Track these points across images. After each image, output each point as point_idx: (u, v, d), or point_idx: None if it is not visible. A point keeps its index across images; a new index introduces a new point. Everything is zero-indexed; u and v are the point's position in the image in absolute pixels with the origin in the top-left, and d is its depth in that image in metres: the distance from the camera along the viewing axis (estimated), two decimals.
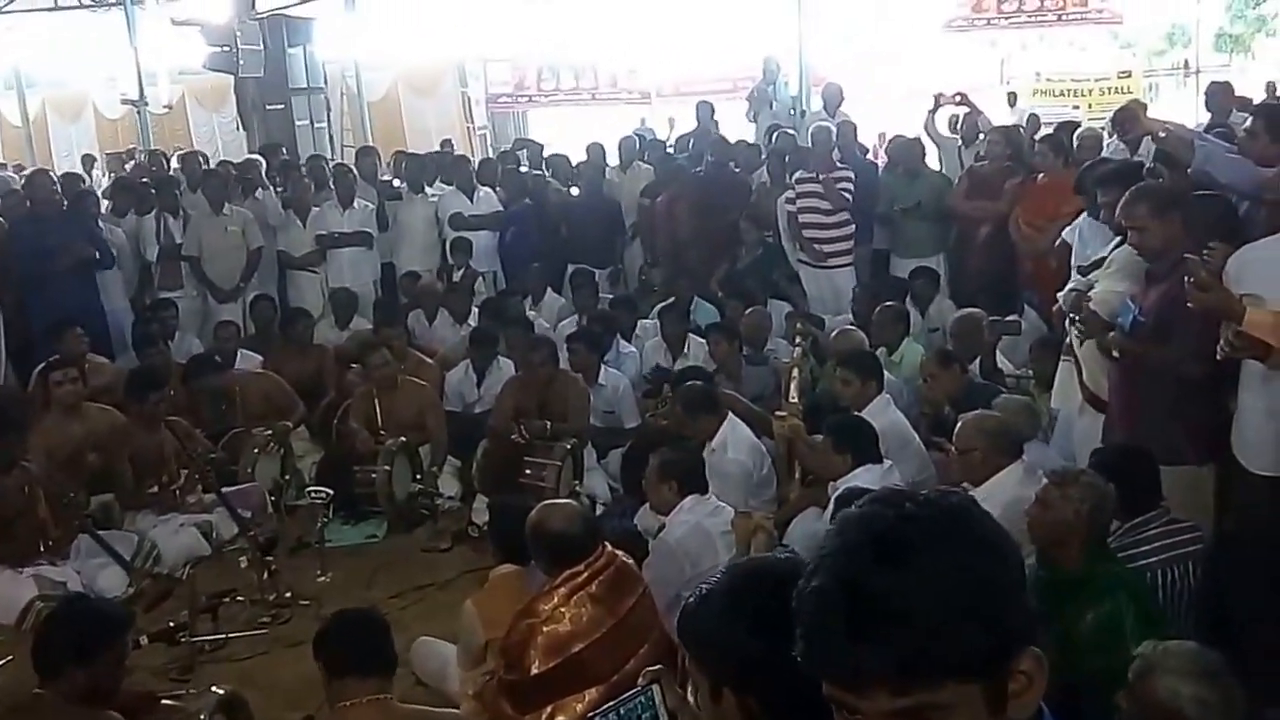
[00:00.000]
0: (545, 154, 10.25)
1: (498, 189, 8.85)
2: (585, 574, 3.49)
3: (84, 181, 8.77)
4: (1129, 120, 5.12)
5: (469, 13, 14.00)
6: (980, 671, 1.13)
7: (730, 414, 5.28)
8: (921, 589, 1.11)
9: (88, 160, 14.27)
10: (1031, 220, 6.70)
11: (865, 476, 4.24)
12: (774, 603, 1.41)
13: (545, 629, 3.45)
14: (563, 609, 3.46)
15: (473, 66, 15.09)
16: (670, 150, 9.83)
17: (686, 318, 7.11)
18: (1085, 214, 5.19)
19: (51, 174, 8.45)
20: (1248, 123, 4.57)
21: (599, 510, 5.65)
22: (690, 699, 1.90)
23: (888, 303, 6.55)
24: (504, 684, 3.53)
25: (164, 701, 3.68)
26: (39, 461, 5.55)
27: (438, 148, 11.43)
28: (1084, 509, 3.24)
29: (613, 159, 9.26)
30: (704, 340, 6.71)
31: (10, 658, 4.53)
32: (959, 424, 4.23)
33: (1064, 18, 13.79)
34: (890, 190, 7.91)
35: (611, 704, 2.05)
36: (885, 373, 5.45)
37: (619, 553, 3.65)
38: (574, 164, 9.29)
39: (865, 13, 12.85)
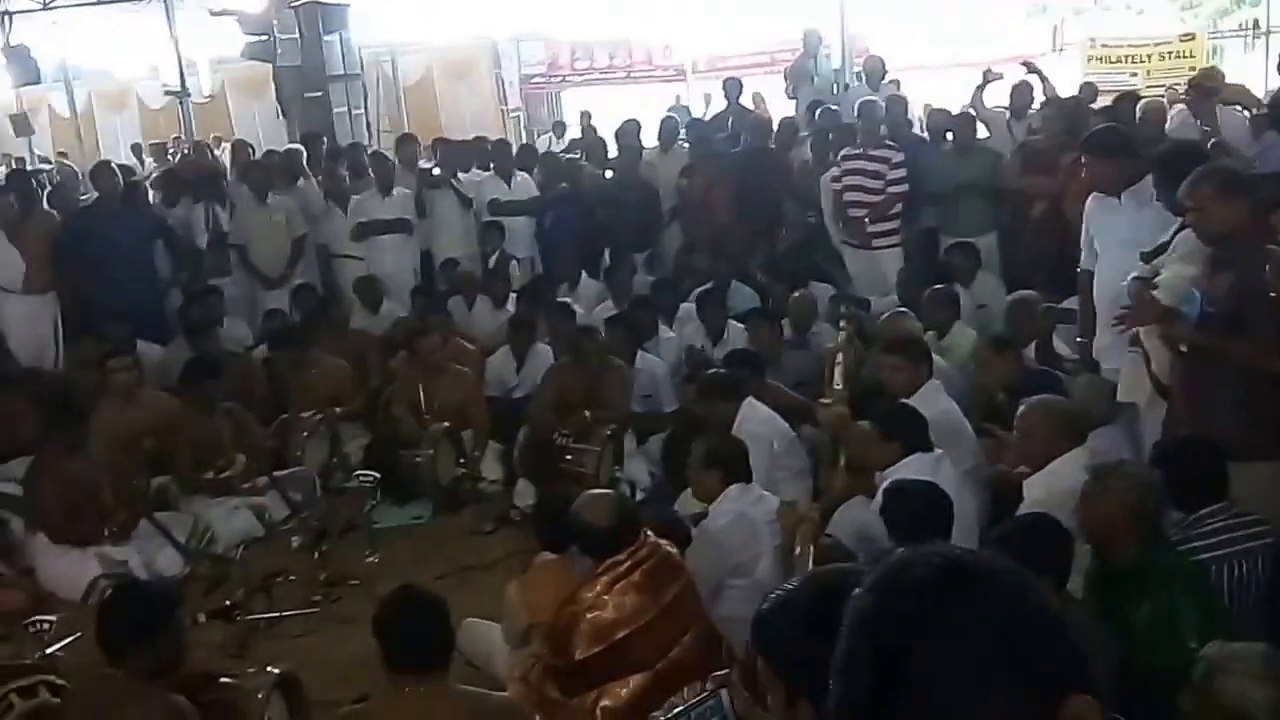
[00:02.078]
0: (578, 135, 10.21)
1: (535, 174, 8.94)
2: (627, 563, 3.59)
3: (136, 172, 8.97)
4: (1205, 89, 4.93)
5: None
6: None
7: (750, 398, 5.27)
8: (943, 653, 1.08)
9: (137, 150, 14.52)
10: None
11: (915, 466, 4.20)
12: None
13: (589, 616, 3.55)
14: (606, 597, 3.55)
15: (506, 47, 15.14)
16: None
17: (725, 302, 7.13)
18: (1093, 194, 5.04)
19: (113, 165, 8.67)
20: None
21: (639, 496, 5.75)
22: (761, 703, 1.93)
23: (937, 285, 6.43)
24: (549, 668, 3.66)
25: (222, 679, 3.83)
26: (100, 446, 5.78)
27: (472, 131, 11.53)
28: (1128, 501, 3.22)
29: (648, 139, 9.28)
30: (743, 325, 6.73)
31: (78, 634, 4.71)
32: (1023, 405, 4.17)
33: None
34: (940, 166, 7.73)
35: (681, 709, 2.10)
36: (935, 358, 5.32)
37: (662, 541, 3.73)
38: (609, 147, 9.31)
39: None
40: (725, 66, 13.70)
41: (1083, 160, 5.14)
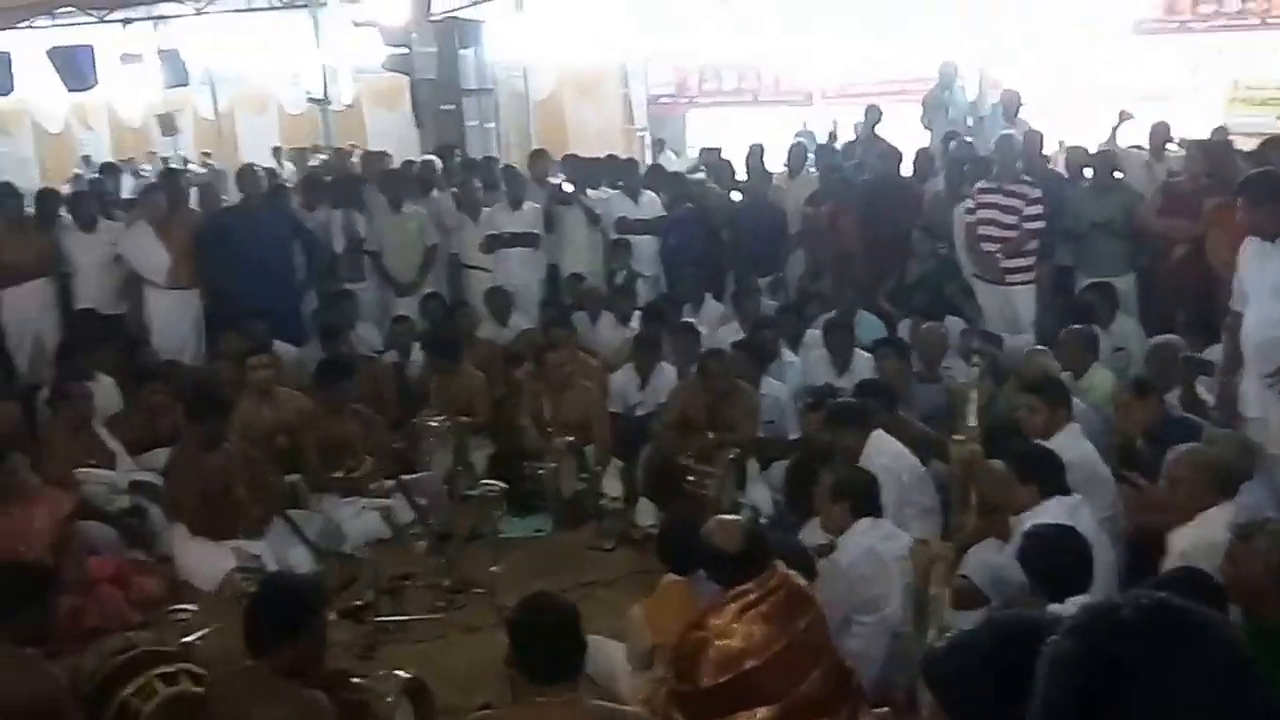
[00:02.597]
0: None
1: (661, 193, 9.00)
2: (756, 593, 3.56)
3: (279, 175, 9.30)
4: None
5: (633, 12, 14.18)
6: None
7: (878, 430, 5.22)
8: (1151, 696, 1.08)
9: (276, 153, 15.05)
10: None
11: (1052, 510, 4.12)
12: (1029, 659, 1.42)
13: (717, 643, 3.53)
14: (734, 625, 3.53)
15: (635, 67, 15.28)
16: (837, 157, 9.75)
17: (852, 331, 7.08)
18: (1249, 238, 4.93)
19: (257, 168, 8.98)
20: None
21: (761, 522, 5.73)
22: None
23: (1075, 325, 6.30)
24: (675, 693, 3.64)
25: (354, 680, 3.90)
26: (237, 441, 5.97)
27: (598, 148, 11.67)
28: (1273, 559, 3.13)
29: (773, 163, 9.27)
30: (870, 355, 6.68)
31: (217, 625, 4.87)
32: (1172, 453, 4.08)
33: (1268, 21, 12.94)
34: (1077, 204, 7.62)
35: None
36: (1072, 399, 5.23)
37: (792, 573, 3.70)
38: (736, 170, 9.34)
39: (1048, 12, 12.31)
40: (854, 93, 13.61)
41: (1238, 204, 4.99)
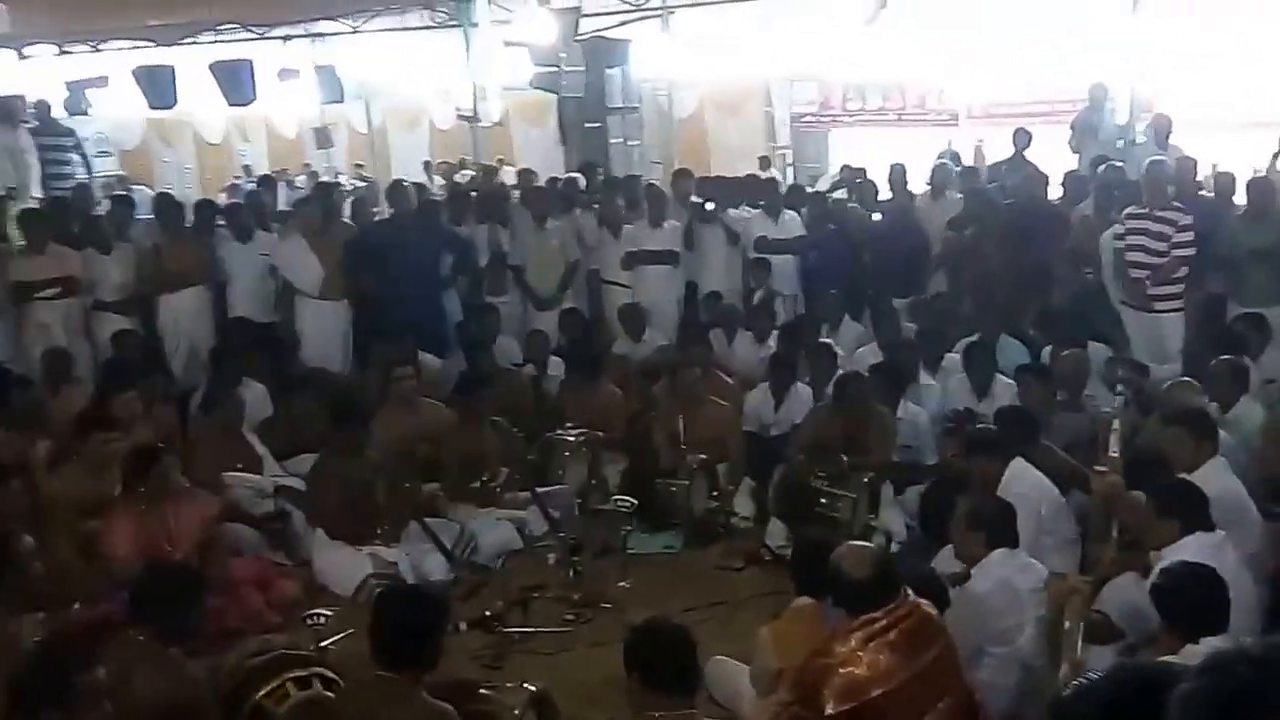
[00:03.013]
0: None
1: (802, 212, 8.93)
2: (884, 622, 3.49)
3: (428, 190, 9.57)
4: None
5: (778, 31, 14.12)
6: None
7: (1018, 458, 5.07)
8: None
9: (427, 167, 15.52)
10: None
11: (1194, 547, 3.97)
12: (1155, 710, 1.40)
13: (842, 671, 3.47)
14: (860, 653, 3.46)
15: (778, 85, 15.23)
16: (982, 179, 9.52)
17: (993, 356, 6.88)
18: None
19: (407, 183, 9.25)
20: None
21: (894, 548, 5.60)
22: None
23: (1224, 355, 6.01)
24: (797, 718, 3.58)
25: (482, 690, 3.95)
26: (379, 450, 6.13)
27: (740, 166, 11.65)
28: None
29: (915, 183, 9.11)
30: (1010, 381, 6.48)
31: (350, 630, 4.99)
32: None
33: None
34: (1231, 231, 7.35)
35: None
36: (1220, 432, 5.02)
37: (922, 602, 3.61)
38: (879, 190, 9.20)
39: (1200, 34, 11.79)
40: (1001, 114, 13.28)
41: None
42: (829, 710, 3.46)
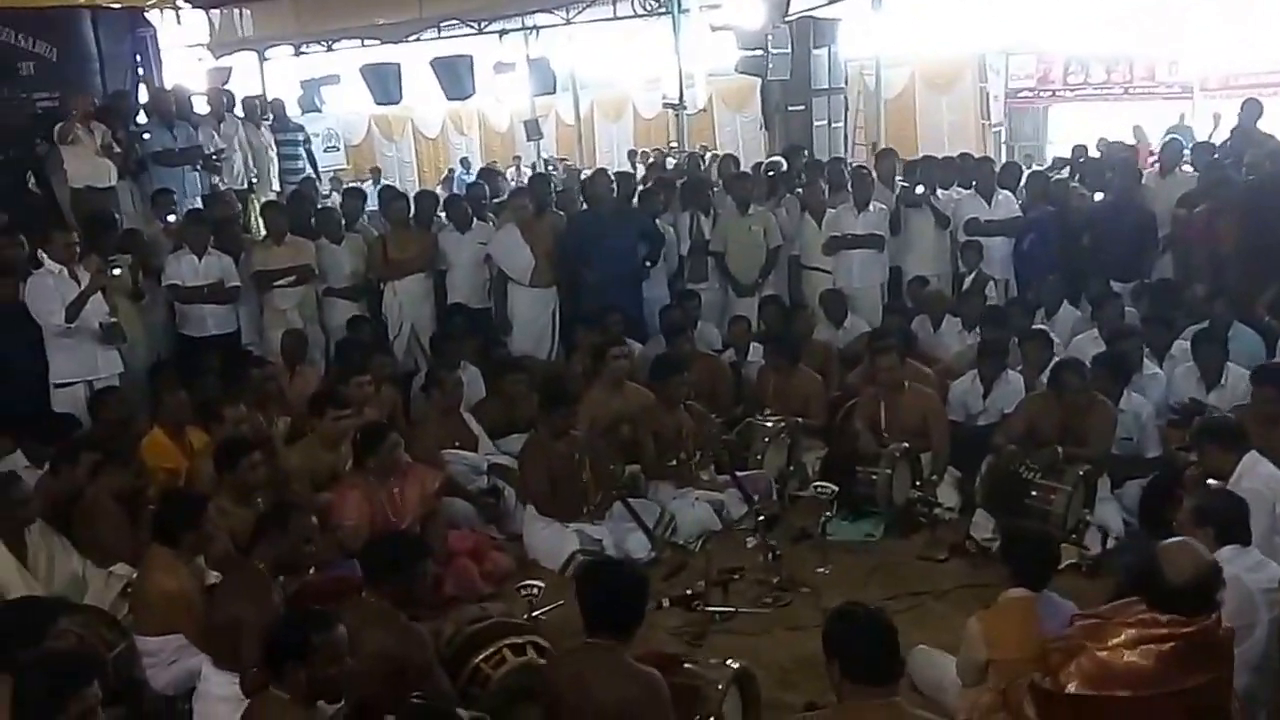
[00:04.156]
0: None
1: (1018, 193, 8.58)
2: (1164, 631, 3.31)
3: (633, 179, 9.71)
4: None
5: (994, 3, 13.57)
6: None
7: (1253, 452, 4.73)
8: None
9: (631, 156, 15.78)
10: None
11: None
12: None
13: (1098, 655, 3.36)
14: (1124, 650, 3.33)
15: (994, 60, 14.65)
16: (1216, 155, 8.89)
17: (1225, 344, 6.45)
18: None
19: (608, 173, 9.44)
20: None
21: (1110, 544, 5.36)
22: None
23: None
24: (1035, 688, 3.49)
25: (685, 665, 4.03)
26: (586, 430, 6.32)
27: (950, 146, 11.30)
28: None
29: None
30: (1245, 370, 6.06)
31: (560, 602, 5.18)
32: None
33: None
34: None
35: None
36: None
37: (1226, 626, 3.41)
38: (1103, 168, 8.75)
39: None
40: (1240, 85, 12.34)
41: None
42: (1070, 689, 3.37)
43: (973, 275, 8.25)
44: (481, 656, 4.16)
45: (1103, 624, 3.41)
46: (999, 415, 6.51)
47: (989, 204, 8.50)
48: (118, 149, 8.59)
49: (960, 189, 8.84)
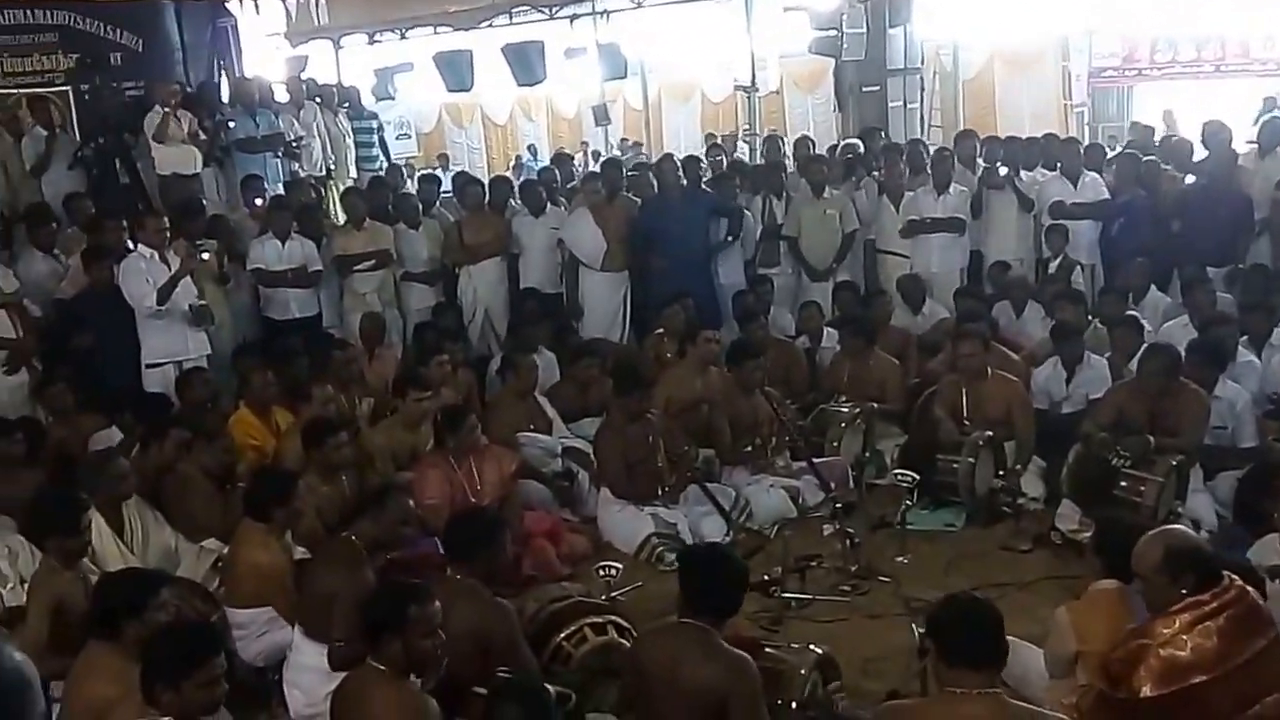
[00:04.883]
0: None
1: (1105, 175, 8.36)
2: (1212, 605, 3.31)
3: (701, 163, 9.64)
4: None
5: None
6: None
7: None
8: None
9: (705, 140, 15.67)
10: None
11: None
12: None
13: (1161, 653, 3.32)
14: (1184, 636, 3.31)
15: (1076, 39, 14.27)
16: None
17: None
18: None
19: (675, 158, 9.40)
20: None
21: (1204, 537, 5.20)
22: None
23: None
24: (1108, 699, 3.44)
25: (767, 649, 4.02)
26: (661, 412, 6.31)
27: (1028, 127, 11.05)
28: None
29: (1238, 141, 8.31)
30: None
31: (639, 584, 5.19)
32: None
33: None
34: None
35: None
36: None
37: (1251, 590, 3.38)
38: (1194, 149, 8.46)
39: None
40: None
41: None
42: (1145, 692, 3.33)
43: (1058, 260, 8.05)
44: (564, 634, 4.20)
45: (1150, 623, 3.39)
46: (1084, 402, 6.37)
47: (1075, 186, 8.28)
48: (204, 137, 8.77)
49: (1045, 170, 8.64)
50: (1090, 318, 7.16)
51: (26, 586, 4.38)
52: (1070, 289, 7.61)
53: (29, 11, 9.49)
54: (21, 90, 9.25)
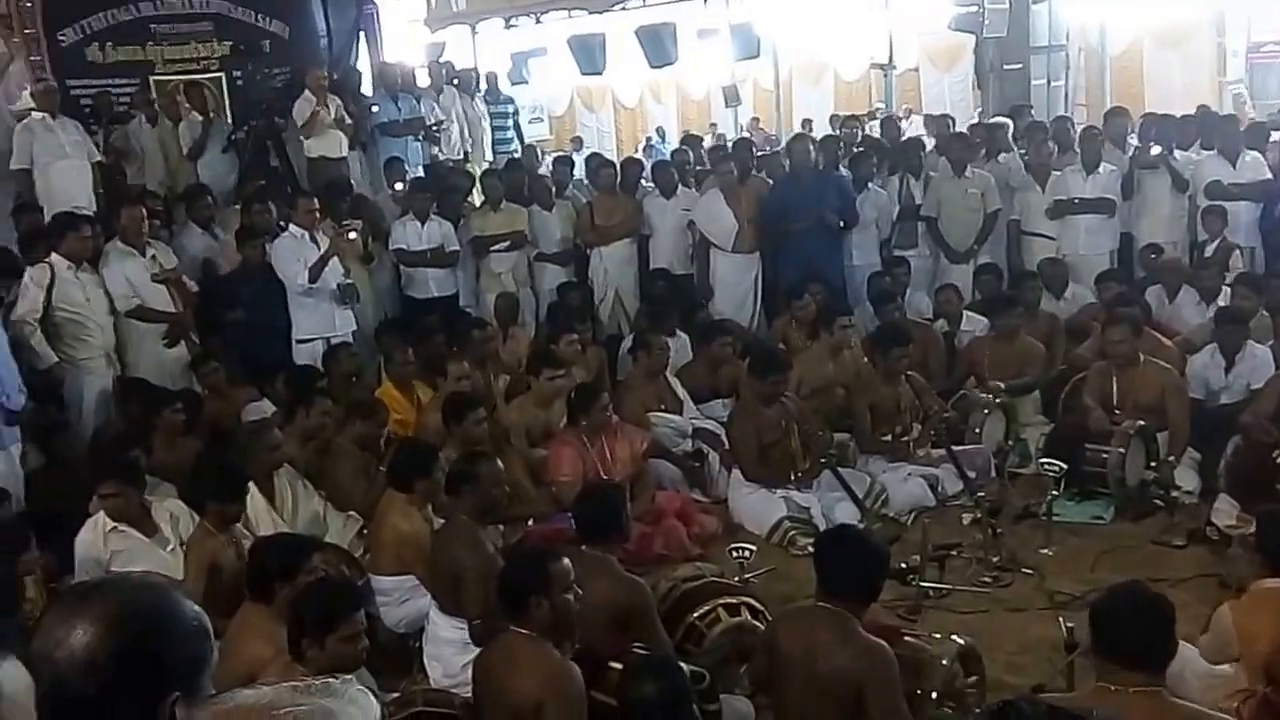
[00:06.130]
0: None
1: (1267, 154, 7.93)
2: None
3: (837, 143, 9.47)
4: None
5: None
6: None
7: None
8: None
9: (834, 121, 15.39)
10: None
11: None
12: None
13: None
14: None
15: (1234, 13, 13.54)
16: None
17: None
18: None
19: (809, 136, 9.26)
20: None
21: None
22: None
23: None
24: (1272, 703, 3.30)
25: (906, 637, 3.94)
26: (797, 395, 6.24)
27: (1181, 105, 10.51)
28: None
29: None
30: None
31: (771, 567, 5.16)
32: None
33: None
34: None
35: None
36: None
37: None
38: None
39: None
40: None
41: None
42: None
43: (1216, 243, 7.66)
44: (697, 614, 4.19)
45: None
46: (1244, 392, 6.05)
47: (1234, 166, 7.86)
48: (349, 121, 9.02)
49: (1201, 149, 8.23)
50: None
51: (184, 548, 4.60)
52: (1251, 274, 7.24)
53: (186, 1, 9.90)
54: (179, 77, 9.65)
